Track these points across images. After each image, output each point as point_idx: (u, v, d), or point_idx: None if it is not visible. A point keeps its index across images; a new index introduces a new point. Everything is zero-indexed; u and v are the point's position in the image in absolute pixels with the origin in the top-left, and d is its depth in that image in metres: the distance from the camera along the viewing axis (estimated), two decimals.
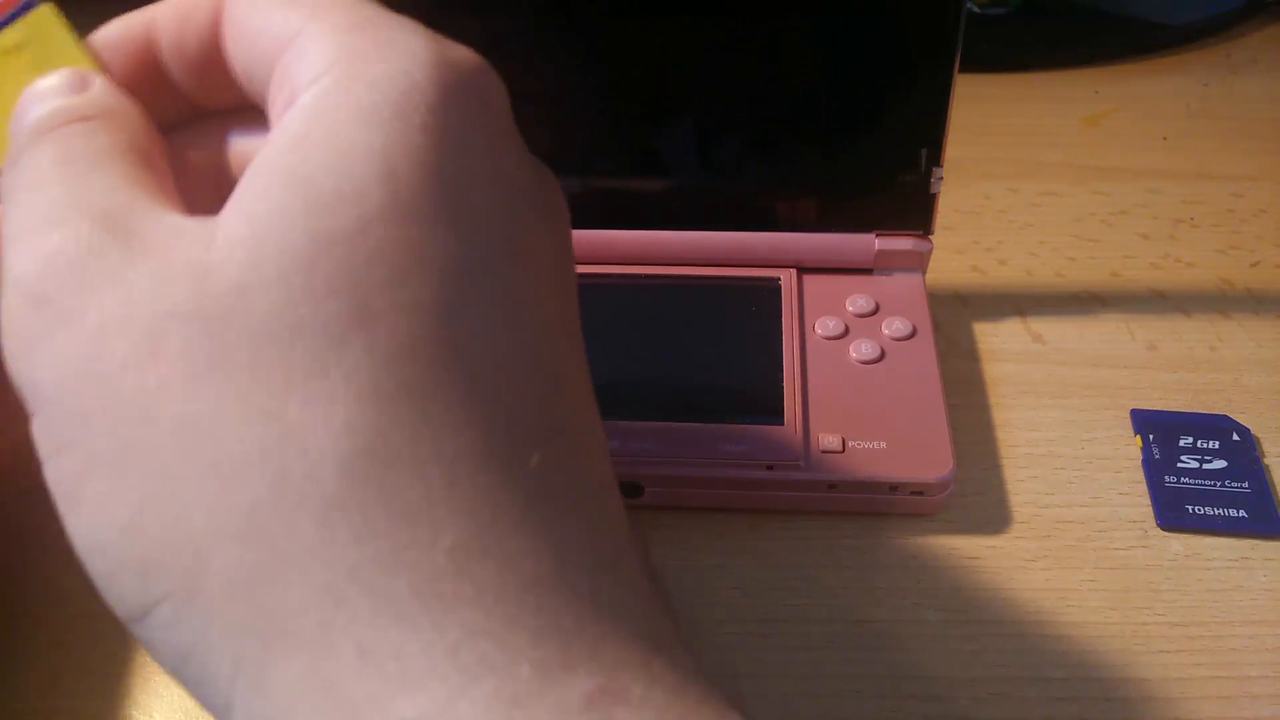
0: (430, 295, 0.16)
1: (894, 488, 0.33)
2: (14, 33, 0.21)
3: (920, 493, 0.33)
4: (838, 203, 0.39)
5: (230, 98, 0.21)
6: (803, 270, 0.39)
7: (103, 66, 0.20)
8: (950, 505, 0.33)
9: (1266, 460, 0.35)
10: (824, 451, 0.33)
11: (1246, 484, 0.33)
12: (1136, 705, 0.28)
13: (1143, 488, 0.34)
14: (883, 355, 0.36)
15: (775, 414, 0.34)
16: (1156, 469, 0.34)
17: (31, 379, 0.16)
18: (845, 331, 0.37)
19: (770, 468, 0.33)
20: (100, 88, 0.19)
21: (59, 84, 0.19)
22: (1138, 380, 0.38)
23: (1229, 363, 0.39)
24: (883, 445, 0.33)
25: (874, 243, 0.39)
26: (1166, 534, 0.33)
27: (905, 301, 0.38)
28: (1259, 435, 0.35)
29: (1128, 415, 0.36)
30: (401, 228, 0.16)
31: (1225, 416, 0.36)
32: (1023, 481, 0.34)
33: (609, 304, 0.38)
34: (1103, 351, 0.39)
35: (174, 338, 0.15)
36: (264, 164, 0.16)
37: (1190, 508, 0.33)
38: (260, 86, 0.19)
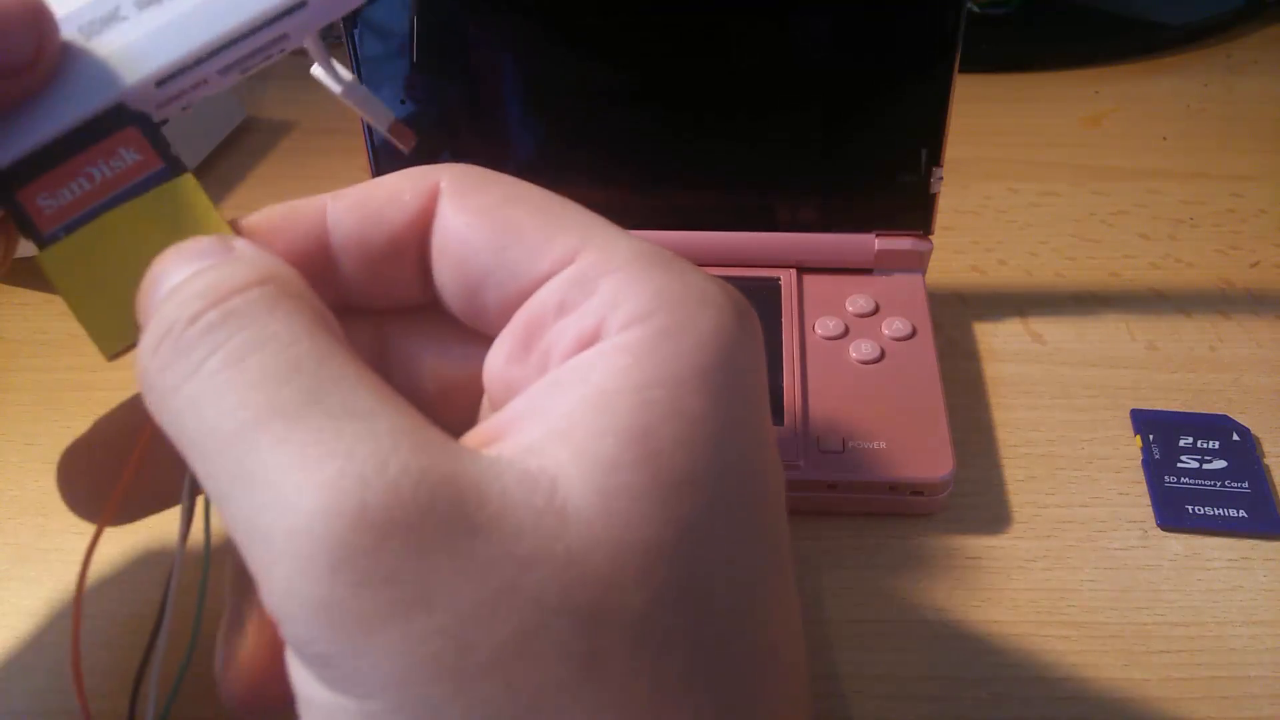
0: (748, 599, 0.16)
1: (894, 488, 0.33)
2: (145, 204, 0.19)
3: (920, 493, 0.33)
4: (838, 203, 0.39)
5: (390, 300, 0.20)
6: (803, 270, 0.39)
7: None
8: (950, 505, 0.33)
9: (1266, 460, 0.35)
10: (824, 452, 0.33)
11: (1246, 484, 0.33)
12: (1136, 705, 0.28)
13: (1143, 488, 0.34)
14: (883, 355, 0.36)
15: (775, 414, 0.34)
16: (1156, 469, 0.34)
17: (357, 667, 0.14)
18: (845, 331, 0.37)
19: None
20: (252, 251, 0.17)
21: (204, 249, 0.17)
22: (1138, 380, 0.38)
23: (1229, 363, 0.39)
24: (883, 445, 0.33)
25: (874, 243, 0.39)
26: (1166, 534, 0.33)
27: (905, 301, 0.38)
28: (1259, 435, 0.35)
29: (1128, 415, 0.36)
30: (728, 520, 0.16)
31: (1225, 416, 0.36)
32: (1023, 481, 0.34)
33: None
34: (1103, 351, 0.39)
35: (544, 639, 0.14)
36: (605, 418, 0.15)
37: (1190, 508, 0.33)
38: (465, 294, 0.19)
